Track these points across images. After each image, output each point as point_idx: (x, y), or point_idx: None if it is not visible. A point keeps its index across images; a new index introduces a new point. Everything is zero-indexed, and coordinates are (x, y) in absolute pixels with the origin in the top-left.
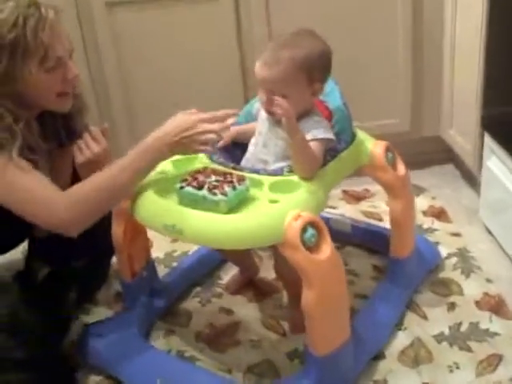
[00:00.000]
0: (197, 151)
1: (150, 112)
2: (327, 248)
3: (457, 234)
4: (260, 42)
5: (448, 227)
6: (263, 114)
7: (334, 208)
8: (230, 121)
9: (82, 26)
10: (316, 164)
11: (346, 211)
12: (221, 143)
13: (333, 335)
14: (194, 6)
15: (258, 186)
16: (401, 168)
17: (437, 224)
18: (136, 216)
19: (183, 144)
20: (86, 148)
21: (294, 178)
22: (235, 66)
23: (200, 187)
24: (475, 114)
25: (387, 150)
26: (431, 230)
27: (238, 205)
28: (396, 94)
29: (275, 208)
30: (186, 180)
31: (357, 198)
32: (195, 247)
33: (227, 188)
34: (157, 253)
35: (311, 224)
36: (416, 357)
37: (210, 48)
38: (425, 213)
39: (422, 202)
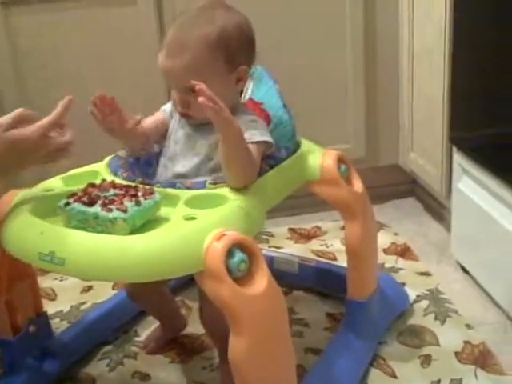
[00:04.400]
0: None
1: None
2: (262, 279)
3: (426, 274)
4: None
5: (415, 266)
6: (178, 118)
7: (278, 248)
8: None
9: None
10: (254, 170)
11: (293, 251)
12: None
13: None
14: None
15: (172, 202)
16: (357, 183)
17: (401, 262)
18: (5, 245)
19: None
20: None
21: (219, 191)
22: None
23: (92, 203)
24: (441, 129)
25: (340, 160)
26: (395, 270)
27: (143, 225)
28: (347, 115)
29: (191, 225)
30: (74, 195)
31: (306, 236)
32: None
33: (128, 203)
34: (60, 306)
35: (240, 246)
36: None
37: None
38: (386, 250)
39: (382, 239)
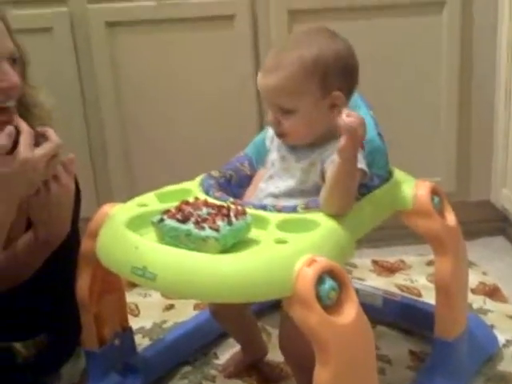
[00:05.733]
0: None
1: (151, 161)
2: (352, 309)
3: None
4: None
5: (504, 308)
6: (276, 141)
7: (361, 280)
8: None
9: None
10: (352, 200)
11: (376, 284)
12: None
13: None
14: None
15: (264, 224)
16: (450, 216)
17: (490, 304)
18: (100, 257)
19: None
20: None
21: (311, 216)
22: (252, 101)
23: (185, 220)
24: None
25: (434, 192)
26: (483, 311)
27: (233, 245)
28: (438, 147)
29: (282, 249)
30: (168, 212)
31: (390, 269)
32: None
33: (220, 222)
34: (143, 322)
35: (331, 273)
36: None
37: (223, 82)
38: (474, 290)
39: (470, 278)
